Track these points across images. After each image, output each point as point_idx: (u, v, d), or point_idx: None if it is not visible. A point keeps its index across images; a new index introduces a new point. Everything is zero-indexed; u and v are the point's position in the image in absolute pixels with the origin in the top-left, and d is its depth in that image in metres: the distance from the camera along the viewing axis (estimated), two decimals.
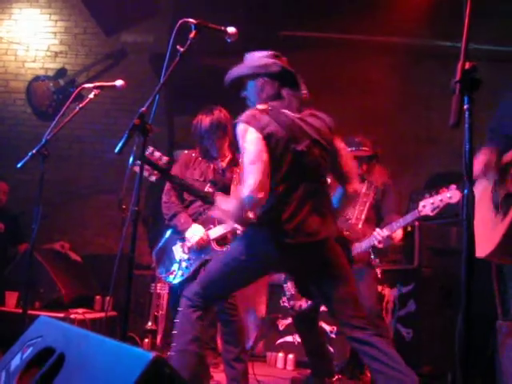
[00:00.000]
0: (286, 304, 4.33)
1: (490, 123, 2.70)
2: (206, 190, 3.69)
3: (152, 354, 1.42)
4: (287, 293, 4.15)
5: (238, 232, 3.49)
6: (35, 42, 6.67)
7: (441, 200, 3.48)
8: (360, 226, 4.01)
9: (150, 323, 5.13)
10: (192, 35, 2.45)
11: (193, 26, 2.46)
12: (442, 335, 4.03)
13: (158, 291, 5.10)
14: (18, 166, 3.40)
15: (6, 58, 6.69)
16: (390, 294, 4.51)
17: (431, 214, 3.52)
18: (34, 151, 3.37)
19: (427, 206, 3.54)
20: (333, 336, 4.88)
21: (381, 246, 3.82)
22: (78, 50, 6.63)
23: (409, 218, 3.67)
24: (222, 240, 3.57)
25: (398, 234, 3.86)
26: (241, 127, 2.60)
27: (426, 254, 4.31)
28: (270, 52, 2.84)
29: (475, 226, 2.47)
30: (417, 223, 4.38)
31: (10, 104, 6.60)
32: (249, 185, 2.48)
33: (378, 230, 3.80)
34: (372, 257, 4.08)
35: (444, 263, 4.26)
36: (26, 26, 6.69)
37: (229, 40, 2.61)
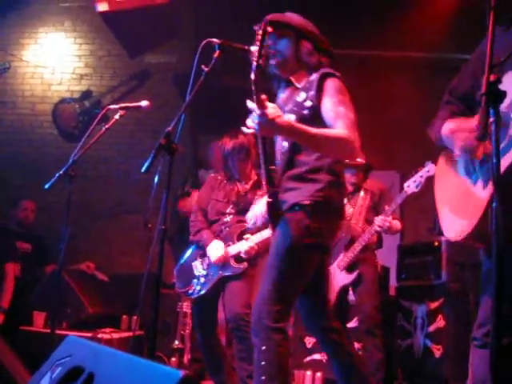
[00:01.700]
0: None
1: (452, 83, 2.55)
2: (227, 211, 3.81)
3: (182, 372, 1.42)
4: None
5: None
6: (61, 65, 6.80)
7: (421, 176, 3.91)
8: (360, 225, 4.39)
9: (176, 342, 5.13)
10: (216, 55, 2.46)
11: (216, 46, 2.48)
12: None
13: (185, 310, 5.10)
14: (46, 187, 3.45)
15: (32, 81, 6.83)
16: (417, 309, 4.46)
17: (416, 190, 3.94)
18: (61, 172, 3.42)
19: (411, 184, 3.97)
20: (360, 353, 4.82)
21: (380, 229, 4.18)
22: (102, 72, 6.73)
23: (398, 199, 4.11)
24: (239, 257, 3.67)
25: (397, 223, 4.30)
26: (338, 82, 2.50)
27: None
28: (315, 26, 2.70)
29: (443, 204, 2.33)
30: (443, 238, 4.33)
31: (37, 126, 6.72)
32: (353, 132, 2.38)
33: (375, 218, 4.22)
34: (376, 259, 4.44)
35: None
36: (52, 50, 6.83)
37: (258, 60, 2.61)
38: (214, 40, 2.49)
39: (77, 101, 6.63)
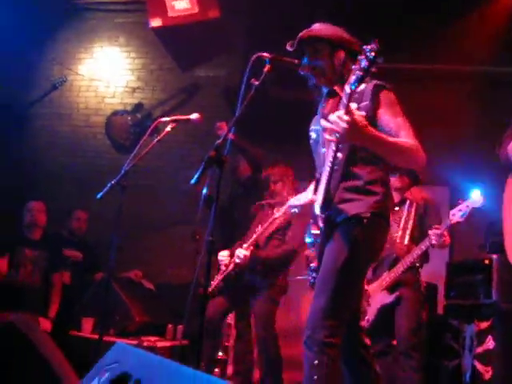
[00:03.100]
0: None
1: None
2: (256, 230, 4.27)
3: (228, 383, 1.44)
4: None
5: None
6: (114, 78, 6.97)
7: (467, 206, 3.90)
8: (406, 243, 4.29)
9: (220, 353, 5.15)
10: (266, 69, 2.48)
11: (267, 60, 2.50)
12: None
13: (228, 321, 5.13)
14: (98, 196, 3.54)
15: (87, 94, 7.02)
16: (466, 329, 4.35)
17: (461, 219, 3.92)
18: (113, 182, 3.51)
19: (456, 213, 3.94)
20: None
21: (435, 242, 4.04)
22: (154, 85, 6.86)
23: (443, 226, 4.02)
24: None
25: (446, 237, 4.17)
26: (392, 94, 2.55)
27: (505, 288, 4.13)
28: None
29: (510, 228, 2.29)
30: (494, 256, 4.22)
31: (91, 138, 6.89)
32: (418, 142, 2.45)
33: (430, 232, 4.07)
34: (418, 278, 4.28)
35: None
36: (106, 64, 7.01)
37: (302, 73, 2.64)
38: (265, 54, 2.51)
39: (129, 113, 6.77)
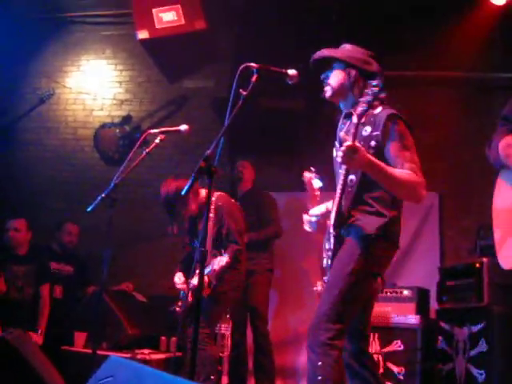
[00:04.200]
0: None
1: (504, 110, 2.56)
2: None
3: None
4: None
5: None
6: (102, 91, 6.96)
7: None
8: None
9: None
10: (254, 79, 2.51)
11: (254, 70, 2.53)
12: None
13: (223, 332, 5.11)
14: (88, 209, 3.53)
15: (74, 107, 7.01)
16: (459, 333, 4.36)
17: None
18: (103, 195, 3.50)
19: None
20: (401, 377, 4.72)
21: None
22: (142, 97, 6.86)
23: None
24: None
25: None
26: (402, 125, 2.67)
27: (497, 291, 4.15)
28: (368, 51, 2.87)
29: (503, 232, 2.29)
30: (485, 259, 4.25)
31: (79, 151, 6.87)
32: (421, 177, 2.54)
33: None
34: None
35: None
36: (94, 77, 7.00)
37: (290, 82, 2.67)
38: (252, 65, 2.54)
39: (117, 126, 6.76)
